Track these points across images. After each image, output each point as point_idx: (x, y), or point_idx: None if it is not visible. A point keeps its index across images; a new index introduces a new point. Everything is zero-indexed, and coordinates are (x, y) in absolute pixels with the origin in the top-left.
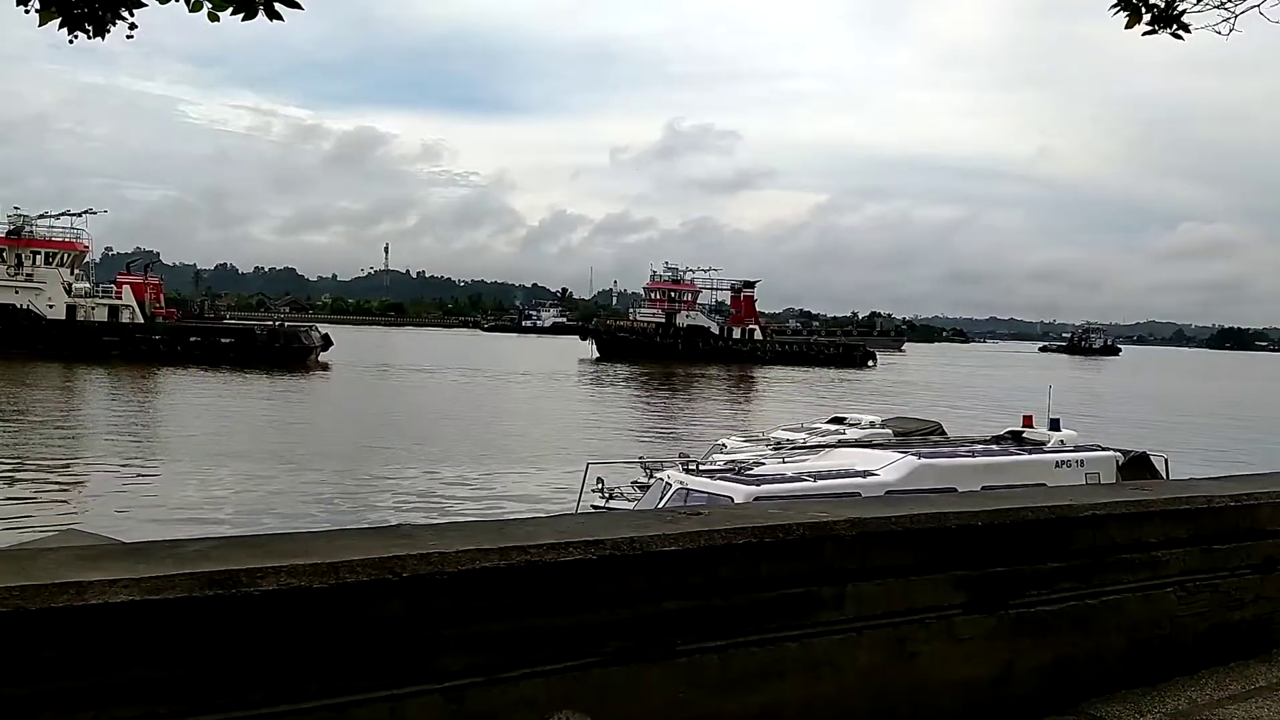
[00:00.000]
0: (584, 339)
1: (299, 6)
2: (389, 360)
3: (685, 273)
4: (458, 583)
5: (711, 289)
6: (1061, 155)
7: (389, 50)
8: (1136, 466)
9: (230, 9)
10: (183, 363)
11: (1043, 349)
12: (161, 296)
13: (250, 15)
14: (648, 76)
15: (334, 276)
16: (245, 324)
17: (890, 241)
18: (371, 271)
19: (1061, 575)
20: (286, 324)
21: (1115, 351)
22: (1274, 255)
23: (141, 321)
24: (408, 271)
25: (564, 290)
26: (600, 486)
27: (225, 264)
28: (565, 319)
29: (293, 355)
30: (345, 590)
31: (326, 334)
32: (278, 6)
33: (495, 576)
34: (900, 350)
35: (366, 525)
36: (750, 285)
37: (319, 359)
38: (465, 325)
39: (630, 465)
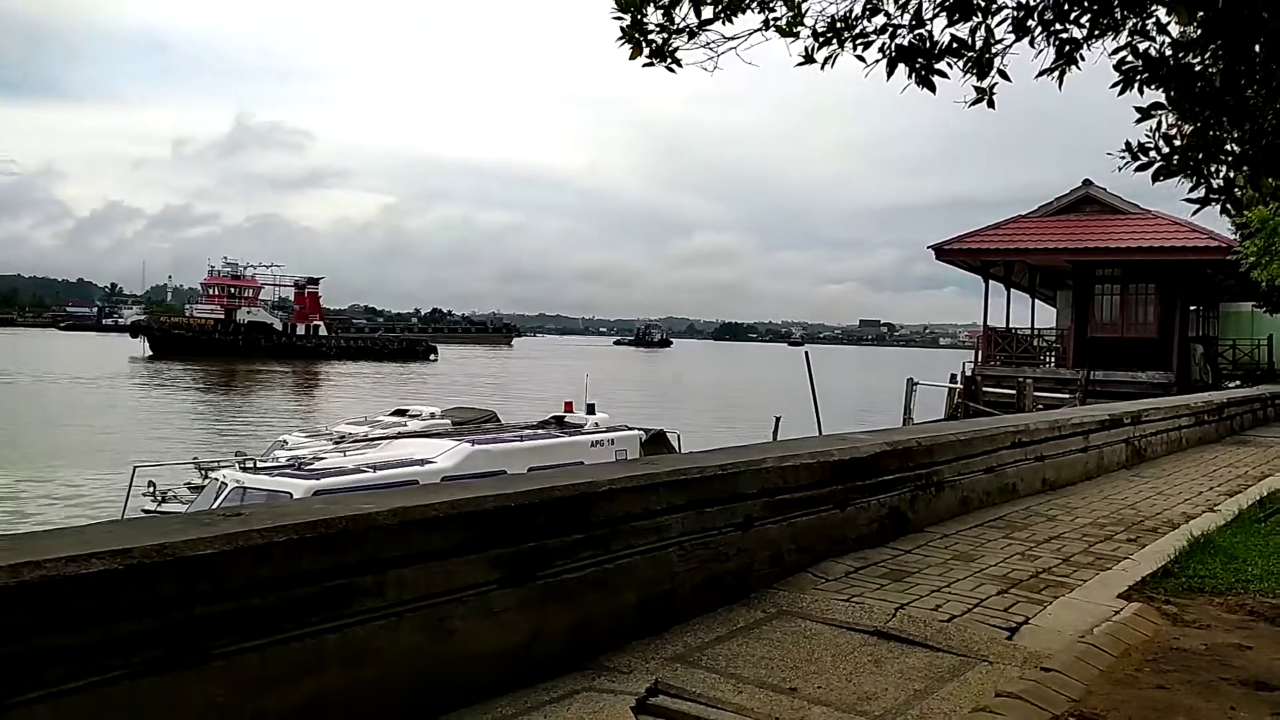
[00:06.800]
0: (134, 336)
1: None
2: None
3: (247, 268)
4: None
5: (275, 285)
6: (606, 169)
7: None
8: (656, 443)
9: None
10: None
11: (617, 342)
12: None
13: None
14: (213, 68)
15: None
16: None
17: (453, 242)
18: None
19: (584, 545)
20: None
21: (668, 344)
22: (764, 263)
23: None
24: None
25: (113, 285)
26: (152, 490)
27: None
28: (149, 318)
29: None
30: None
31: None
32: None
33: (3, 595)
34: (510, 345)
35: None
36: (315, 282)
37: None
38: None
39: (184, 466)
